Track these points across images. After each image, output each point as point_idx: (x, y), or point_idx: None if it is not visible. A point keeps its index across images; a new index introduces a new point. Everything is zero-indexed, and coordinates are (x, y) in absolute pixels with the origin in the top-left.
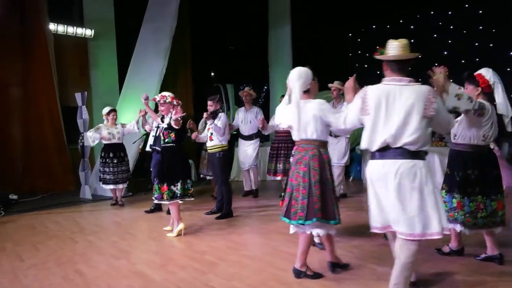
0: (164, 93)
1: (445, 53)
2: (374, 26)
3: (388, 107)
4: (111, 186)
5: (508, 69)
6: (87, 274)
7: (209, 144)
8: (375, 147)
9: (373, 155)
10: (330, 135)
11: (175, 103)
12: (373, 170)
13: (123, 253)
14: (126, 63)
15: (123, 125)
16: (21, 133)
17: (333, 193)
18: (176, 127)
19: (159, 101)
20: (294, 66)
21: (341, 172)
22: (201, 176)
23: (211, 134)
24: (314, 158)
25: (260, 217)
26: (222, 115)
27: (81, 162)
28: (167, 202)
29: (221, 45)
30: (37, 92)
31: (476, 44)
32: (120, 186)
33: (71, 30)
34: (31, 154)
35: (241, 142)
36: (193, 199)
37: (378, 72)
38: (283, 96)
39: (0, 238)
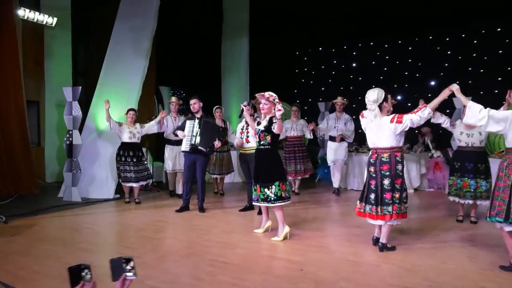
0: (270, 92)
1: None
2: (320, 48)
3: None
4: (133, 184)
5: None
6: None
7: (246, 145)
8: None
9: None
10: (334, 140)
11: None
12: None
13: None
14: (80, 56)
15: (141, 126)
16: None
17: None
18: (278, 133)
19: (268, 98)
20: (251, 76)
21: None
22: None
23: (248, 136)
24: None
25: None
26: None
27: (68, 162)
28: (278, 204)
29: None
30: (2, 83)
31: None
32: (142, 183)
33: (32, 15)
34: None
35: None
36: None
37: (322, 89)
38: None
39: (62, 242)
